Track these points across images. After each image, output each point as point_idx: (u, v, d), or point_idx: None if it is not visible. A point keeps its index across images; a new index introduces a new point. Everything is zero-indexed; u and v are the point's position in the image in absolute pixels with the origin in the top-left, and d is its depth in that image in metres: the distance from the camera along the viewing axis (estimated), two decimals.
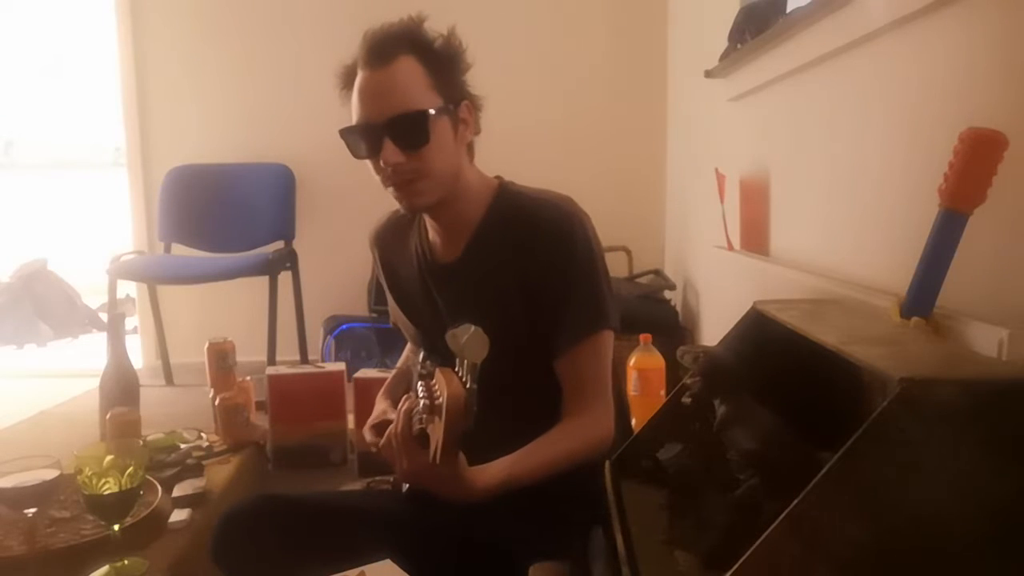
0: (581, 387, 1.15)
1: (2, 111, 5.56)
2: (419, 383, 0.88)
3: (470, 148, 1.21)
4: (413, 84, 1.11)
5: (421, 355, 1.26)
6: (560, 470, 1.08)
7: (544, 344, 1.16)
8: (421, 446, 0.92)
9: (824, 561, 0.66)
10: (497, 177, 1.26)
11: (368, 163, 1.16)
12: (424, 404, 0.82)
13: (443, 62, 1.14)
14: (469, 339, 0.79)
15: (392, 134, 1.10)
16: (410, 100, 1.10)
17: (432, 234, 1.27)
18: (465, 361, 0.80)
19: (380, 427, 1.28)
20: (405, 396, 0.96)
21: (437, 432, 0.81)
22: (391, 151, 1.10)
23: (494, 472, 1.02)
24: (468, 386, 0.79)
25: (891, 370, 0.68)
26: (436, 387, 0.82)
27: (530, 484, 1.05)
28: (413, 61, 1.11)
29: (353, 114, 1.14)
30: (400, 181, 1.13)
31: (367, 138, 1.12)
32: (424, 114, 1.11)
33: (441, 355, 1.24)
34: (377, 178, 1.16)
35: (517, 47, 3.14)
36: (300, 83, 3.13)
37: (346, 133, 1.14)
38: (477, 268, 1.21)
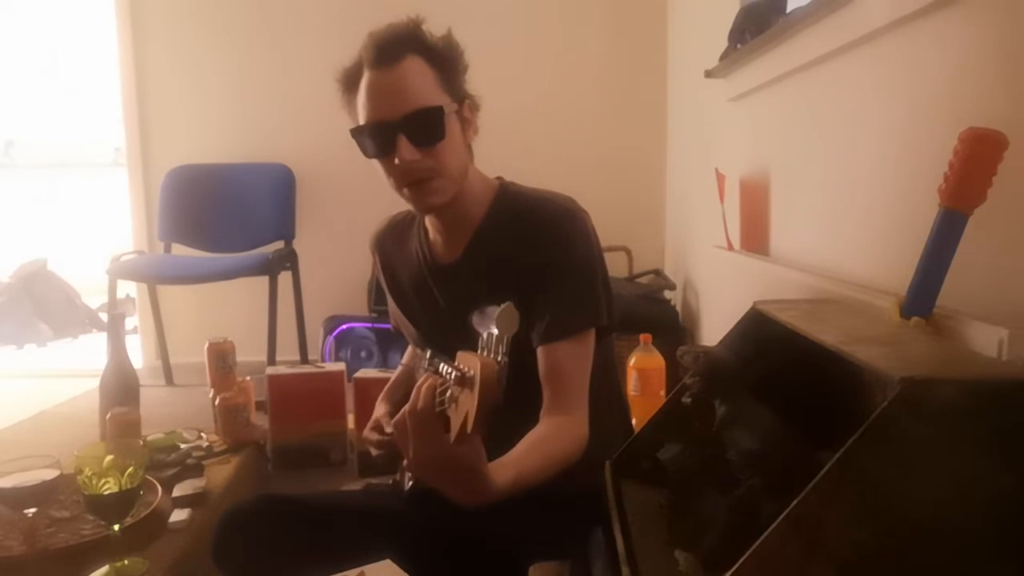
0: (562, 385, 1.13)
1: (2, 111, 5.56)
2: (442, 364, 0.85)
3: (469, 149, 1.21)
4: (424, 82, 1.11)
5: (428, 353, 1.26)
6: (552, 471, 1.06)
7: (533, 333, 1.15)
8: (442, 428, 0.85)
9: (824, 561, 0.66)
10: (498, 178, 1.27)
11: (378, 165, 1.15)
12: (455, 377, 0.80)
13: (447, 62, 1.14)
14: (502, 313, 0.79)
15: (407, 131, 1.09)
16: (424, 97, 1.10)
17: (433, 234, 1.27)
18: (494, 336, 0.79)
19: (381, 429, 1.29)
20: (425, 375, 0.90)
21: (467, 406, 0.79)
22: (407, 148, 1.09)
23: (505, 471, 0.99)
24: (500, 359, 0.78)
25: (891, 370, 0.68)
26: (462, 365, 0.80)
27: (533, 485, 1.04)
28: (420, 61, 1.11)
29: (361, 115, 1.13)
30: (414, 180, 1.13)
31: (380, 137, 1.11)
32: (439, 110, 1.11)
33: (446, 355, 1.23)
34: (387, 180, 1.15)
35: (517, 47, 3.14)
36: (300, 83, 3.13)
37: (358, 133, 1.13)
38: (478, 267, 1.21)
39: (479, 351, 0.80)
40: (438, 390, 0.85)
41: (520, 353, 0.81)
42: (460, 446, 0.82)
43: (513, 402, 0.78)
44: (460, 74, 1.17)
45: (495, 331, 0.79)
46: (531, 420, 1.11)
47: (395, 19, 1.14)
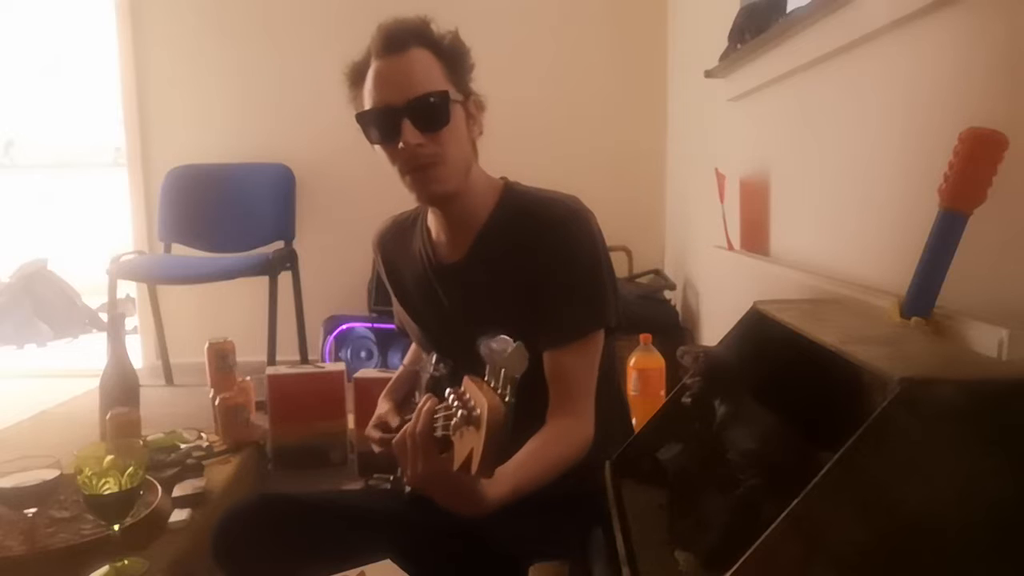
0: (568, 388, 1.14)
1: (2, 111, 5.56)
2: (449, 394, 0.85)
3: (474, 147, 1.22)
4: (430, 71, 1.12)
5: (434, 358, 1.25)
6: (555, 475, 1.07)
7: (538, 338, 1.14)
8: (441, 450, 0.88)
9: (824, 561, 0.66)
10: (502, 178, 1.27)
11: (381, 152, 1.15)
12: (461, 415, 0.79)
13: (454, 57, 1.15)
14: (512, 353, 0.77)
15: (412, 116, 1.10)
16: (429, 83, 1.11)
17: (436, 234, 1.27)
18: (502, 373, 0.78)
19: (384, 427, 1.28)
20: (426, 396, 0.92)
21: (472, 443, 0.78)
22: (411, 132, 1.09)
23: (502, 484, 0.98)
24: (507, 400, 0.77)
25: (891, 370, 0.68)
26: (468, 397, 0.79)
27: (534, 490, 1.04)
28: (427, 53, 1.13)
29: (367, 101, 1.14)
30: (417, 166, 1.13)
31: (385, 121, 1.11)
32: (444, 95, 1.12)
33: (450, 356, 1.23)
34: (391, 167, 1.15)
35: (517, 47, 3.14)
36: (300, 83, 3.13)
37: (363, 117, 1.14)
38: (482, 267, 1.21)
39: (486, 378, 0.79)
40: (441, 414, 0.87)
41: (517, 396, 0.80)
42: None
43: (520, 407, 0.78)
44: (466, 71, 1.17)
45: (503, 367, 0.78)
46: (532, 426, 1.11)
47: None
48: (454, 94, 1.14)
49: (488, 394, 0.76)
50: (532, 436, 1.08)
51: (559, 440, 1.10)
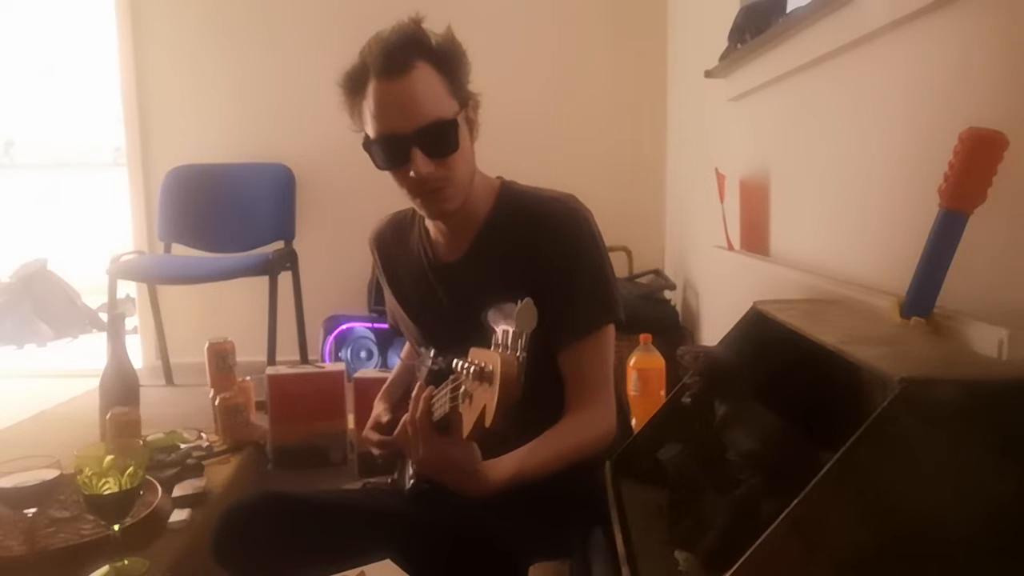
0: (584, 382, 1.16)
1: (2, 111, 5.56)
2: (456, 361, 0.87)
3: (473, 152, 1.22)
4: (435, 92, 1.10)
5: (432, 352, 1.26)
6: (567, 465, 1.08)
7: (550, 338, 1.15)
8: (440, 432, 0.93)
9: (824, 561, 0.66)
10: (498, 177, 1.27)
11: (388, 174, 1.15)
12: (473, 371, 0.81)
13: (452, 65, 1.14)
14: (522, 309, 0.80)
15: (422, 144, 1.09)
16: (436, 109, 1.10)
17: (435, 233, 1.27)
18: (510, 333, 0.80)
19: (381, 428, 1.29)
20: (421, 384, 0.96)
21: (484, 399, 0.80)
22: (422, 161, 1.09)
23: (506, 466, 1.03)
24: (519, 355, 0.79)
25: (891, 370, 0.68)
26: (480, 361, 0.81)
27: (538, 480, 1.05)
28: (428, 68, 1.10)
29: (370, 124, 1.12)
30: (427, 190, 1.13)
31: (394, 149, 1.11)
32: (453, 123, 1.11)
33: (451, 352, 1.23)
34: (399, 189, 1.16)
35: (517, 47, 3.14)
36: (300, 83, 3.13)
37: (371, 145, 1.13)
38: (482, 266, 1.21)
39: (492, 347, 0.81)
40: (445, 393, 0.90)
41: (528, 352, 0.82)
42: (469, 442, 0.89)
43: (522, 402, 0.79)
44: (465, 75, 1.16)
45: (512, 328, 0.80)
46: (537, 419, 1.11)
47: (396, 18, 1.13)
48: (458, 112, 1.13)
49: (500, 353, 0.79)
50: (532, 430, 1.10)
51: (573, 430, 1.12)
